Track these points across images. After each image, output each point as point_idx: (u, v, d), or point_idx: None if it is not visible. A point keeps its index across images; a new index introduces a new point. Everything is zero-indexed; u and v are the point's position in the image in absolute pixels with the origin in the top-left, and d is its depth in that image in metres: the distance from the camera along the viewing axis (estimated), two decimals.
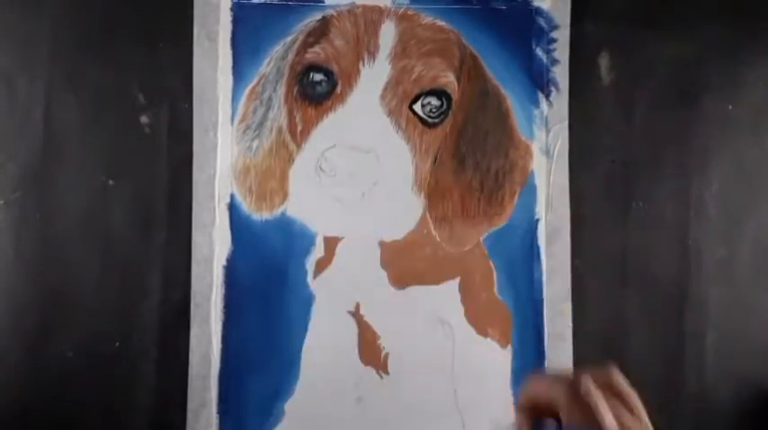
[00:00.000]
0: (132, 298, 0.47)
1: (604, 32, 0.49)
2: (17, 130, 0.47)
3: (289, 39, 0.47)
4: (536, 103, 0.48)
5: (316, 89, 0.47)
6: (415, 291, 0.47)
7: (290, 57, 0.47)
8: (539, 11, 0.48)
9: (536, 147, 0.48)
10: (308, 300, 0.47)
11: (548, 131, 0.48)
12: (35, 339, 0.46)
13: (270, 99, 0.47)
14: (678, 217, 0.48)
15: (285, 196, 0.47)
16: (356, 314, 0.47)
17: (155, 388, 0.46)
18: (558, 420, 0.33)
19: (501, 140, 0.48)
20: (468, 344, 0.47)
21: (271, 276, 0.47)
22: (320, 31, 0.47)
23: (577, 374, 0.34)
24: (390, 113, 0.47)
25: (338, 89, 0.47)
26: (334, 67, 0.47)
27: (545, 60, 0.48)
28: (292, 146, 0.47)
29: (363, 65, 0.47)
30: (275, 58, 0.47)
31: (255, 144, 0.47)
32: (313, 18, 0.48)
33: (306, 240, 0.47)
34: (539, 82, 0.48)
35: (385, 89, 0.47)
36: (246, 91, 0.47)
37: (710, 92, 0.49)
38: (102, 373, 0.46)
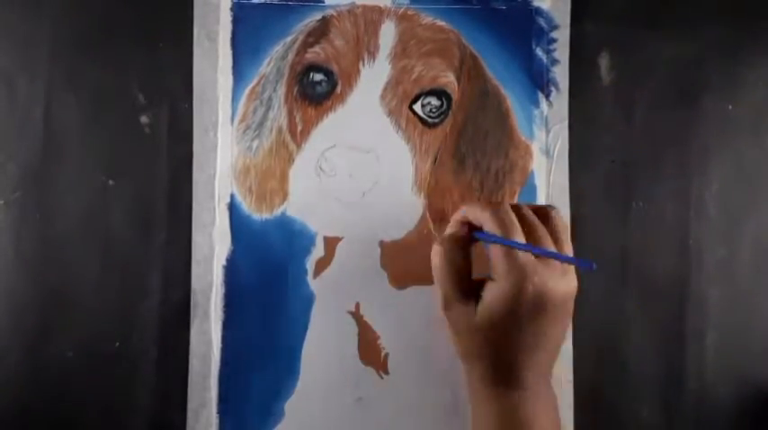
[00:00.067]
0: (132, 298, 0.47)
1: (604, 32, 0.49)
2: (17, 130, 0.47)
3: (289, 39, 0.48)
4: (536, 103, 0.48)
5: (316, 89, 0.47)
6: (415, 291, 0.47)
7: (290, 57, 0.47)
8: (539, 11, 0.48)
9: (536, 147, 0.48)
10: (308, 300, 0.47)
11: (548, 131, 0.48)
12: (35, 339, 0.46)
13: (270, 99, 0.47)
14: (678, 217, 0.49)
15: (285, 196, 0.47)
16: (356, 314, 0.47)
17: (155, 388, 0.46)
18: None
19: (501, 140, 0.48)
20: None
21: (271, 276, 0.47)
22: (320, 31, 0.47)
23: (496, 203, 0.41)
24: (390, 113, 0.47)
25: (338, 89, 0.47)
26: (334, 67, 0.47)
27: (545, 60, 0.48)
28: (292, 146, 0.47)
29: (363, 65, 0.47)
30: (275, 58, 0.47)
31: (255, 144, 0.47)
32: (313, 18, 0.48)
33: (306, 240, 0.47)
34: (539, 82, 0.48)
35: (385, 89, 0.47)
36: (246, 91, 0.47)
37: (710, 92, 0.49)
38: (102, 373, 0.46)
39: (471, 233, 0.42)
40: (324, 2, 0.48)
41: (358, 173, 0.47)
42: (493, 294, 0.39)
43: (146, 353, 0.46)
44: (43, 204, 0.47)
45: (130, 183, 0.47)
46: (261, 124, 0.47)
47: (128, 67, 0.47)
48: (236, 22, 0.47)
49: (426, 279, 0.47)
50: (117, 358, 0.46)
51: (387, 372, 0.47)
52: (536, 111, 0.48)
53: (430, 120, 0.47)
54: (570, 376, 0.47)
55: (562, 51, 0.48)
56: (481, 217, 0.41)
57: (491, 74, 0.48)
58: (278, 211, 0.47)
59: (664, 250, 0.48)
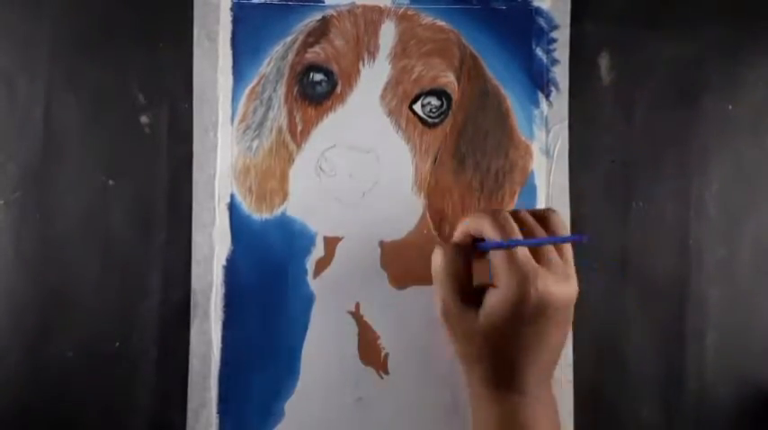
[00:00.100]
0: (132, 298, 0.47)
1: (604, 32, 0.49)
2: (17, 130, 0.47)
3: (289, 39, 0.48)
4: (536, 103, 0.48)
5: (316, 89, 0.47)
6: (415, 291, 0.47)
7: (290, 57, 0.47)
8: (539, 11, 0.48)
9: (536, 147, 0.48)
10: (308, 300, 0.47)
11: (548, 131, 0.48)
12: (35, 339, 0.46)
13: (270, 99, 0.47)
14: (678, 217, 0.49)
15: (285, 196, 0.47)
16: (356, 314, 0.47)
17: (155, 388, 0.46)
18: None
19: (501, 140, 0.48)
20: None
21: (271, 276, 0.47)
22: (320, 31, 0.47)
23: (496, 210, 0.41)
24: (390, 113, 0.47)
25: (338, 89, 0.47)
26: (334, 67, 0.47)
27: (545, 60, 0.48)
28: (292, 146, 0.47)
29: (363, 65, 0.47)
30: (275, 58, 0.47)
31: (255, 144, 0.47)
32: (313, 18, 0.48)
33: (306, 240, 0.47)
34: (539, 82, 0.48)
35: (385, 89, 0.47)
36: (246, 91, 0.47)
37: (710, 92, 0.49)
38: (102, 373, 0.46)
39: (474, 244, 0.42)
40: (324, 2, 0.48)
41: (358, 173, 0.47)
42: (495, 299, 0.39)
43: (146, 353, 0.46)
44: (43, 204, 0.47)
45: (130, 183, 0.47)
46: (261, 124, 0.47)
47: (128, 67, 0.47)
48: (236, 22, 0.47)
49: (426, 279, 0.47)
50: (117, 358, 0.46)
51: (387, 372, 0.47)
52: (536, 112, 0.48)
53: (430, 120, 0.47)
54: (570, 376, 0.47)
55: (562, 51, 0.48)
56: (481, 224, 0.41)
57: (491, 74, 0.48)
58: (278, 211, 0.47)
59: (664, 250, 0.48)
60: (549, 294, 0.38)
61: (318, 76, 0.47)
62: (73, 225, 0.47)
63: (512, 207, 0.48)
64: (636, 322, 0.48)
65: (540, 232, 0.41)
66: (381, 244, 0.47)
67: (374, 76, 0.47)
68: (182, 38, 0.47)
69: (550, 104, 0.48)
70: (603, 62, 0.49)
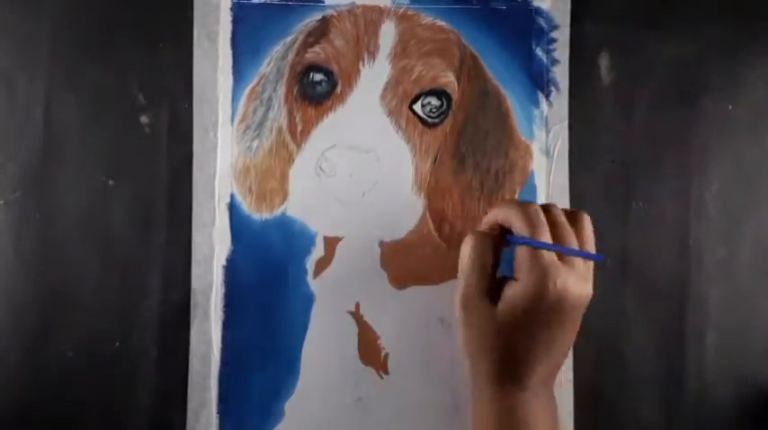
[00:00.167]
0: (132, 298, 0.47)
1: (604, 32, 0.49)
2: (17, 130, 0.47)
3: (289, 39, 0.48)
4: (536, 103, 0.48)
5: (316, 89, 0.47)
6: (415, 291, 0.47)
7: (290, 57, 0.47)
8: (539, 11, 0.48)
9: (536, 147, 0.48)
10: (308, 300, 0.47)
11: (548, 131, 0.48)
12: (35, 339, 0.46)
13: (270, 99, 0.47)
14: (678, 217, 0.49)
15: (285, 196, 0.47)
16: (356, 314, 0.47)
17: (155, 388, 0.46)
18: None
19: (501, 140, 0.48)
20: None
21: (271, 276, 0.47)
22: (320, 31, 0.47)
23: (528, 203, 0.41)
24: (390, 113, 0.47)
25: (338, 89, 0.47)
26: (334, 67, 0.47)
27: (545, 60, 0.48)
28: (292, 146, 0.47)
29: (363, 65, 0.47)
30: (275, 58, 0.47)
31: (255, 144, 0.47)
32: (313, 18, 0.48)
33: (306, 240, 0.47)
34: (539, 82, 0.48)
35: (385, 89, 0.47)
36: (246, 91, 0.47)
37: (710, 92, 0.49)
38: (102, 373, 0.46)
39: (503, 235, 0.42)
40: (324, 2, 0.48)
41: (358, 173, 0.47)
42: (514, 292, 0.39)
43: (146, 353, 0.46)
44: (43, 204, 0.47)
45: (130, 183, 0.47)
46: (261, 124, 0.47)
47: (128, 67, 0.47)
48: (236, 22, 0.47)
49: (426, 279, 0.47)
50: (117, 358, 0.46)
51: (387, 372, 0.47)
52: (536, 112, 0.48)
53: (430, 120, 0.47)
54: (570, 376, 0.47)
55: (562, 51, 0.48)
56: (510, 215, 0.41)
57: (491, 74, 0.48)
58: (278, 211, 0.47)
59: (664, 250, 0.48)
60: (567, 292, 0.39)
61: (318, 76, 0.47)
62: (73, 225, 0.47)
63: None
64: (636, 322, 0.48)
65: (568, 232, 0.40)
66: (381, 244, 0.47)
67: (374, 76, 0.47)
68: (182, 38, 0.47)
69: (550, 104, 0.48)
70: (603, 62, 0.49)
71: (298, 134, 0.47)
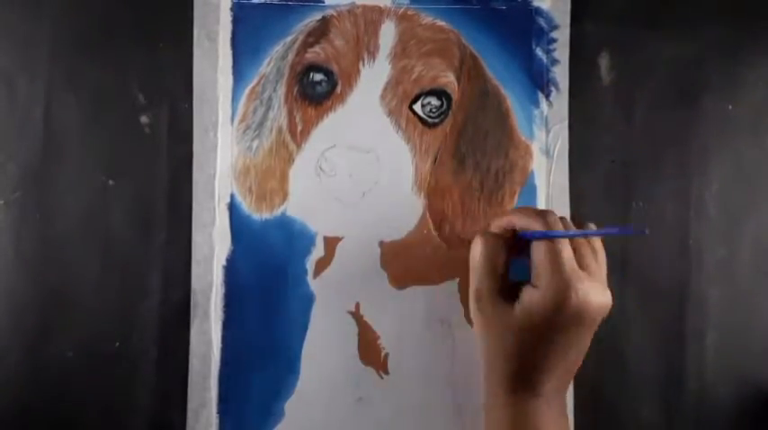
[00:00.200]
0: (132, 298, 0.47)
1: (604, 32, 0.49)
2: (17, 130, 0.47)
3: (289, 39, 0.48)
4: (536, 103, 0.48)
5: (316, 89, 0.47)
6: (415, 291, 0.47)
7: (290, 57, 0.47)
8: (539, 11, 0.48)
9: (536, 147, 0.48)
10: (308, 300, 0.47)
11: (548, 131, 0.48)
12: (35, 339, 0.46)
13: (270, 99, 0.47)
14: (678, 217, 0.49)
15: (285, 196, 0.47)
16: (356, 314, 0.47)
17: (155, 388, 0.46)
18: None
19: (501, 140, 0.48)
20: (468, 344, 0.47)
21: (271, 276, 0.47)
22: (320, 31, 0.47)
23: (546, 210, 0.41)
24: (390, 113, 0.47)
25: (338, 89, 0.47)
26: (334, 67, 0.47)
27: (545, 60, 0.48)
28: (292, 146, 0.47)
29: (363, 65, 0.47)
30: (275, 58, 0.47)
31: (255, 144, 0.47)
32: (313, 18, 0.48)
33: (306, 240, 0.47)
34: (539, 82, 0.48)
35: (385, 89, 0.47)
36: (246, 91, 0.47)
37: (710, 92, 0.49)
38: (102, 373, 0.46)
39: (515, 235, 0.42)
40: (324, 2, 0.48)
41: (358, 173, 0.47)
42: (533, 300, 0.39)
43: (146, 353, 0.46)
44: (43, 204, 0.47)
45: (130, 183, 0.47)
46: (261, 124, 0.47)
47: (128, 67, 0.47)
48: (236, 22, 0.47)
49: (426, 279, 0.47)
50: (117, 358, 0.46)
51: (387, 372, 0.47)
52: (536, 112, 0.48)
53: (430, 120, 0.47)
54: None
55: (562, 51, 0.48)
56: (530, 222, 0.41)
57: (491, 74, 0.48)
58: (278, 211, 0.47)
59: (664, 250, 0.48)
60: (588, 302, 0.38)
61: (318, 76, 0.47)
62: (73, 225, 0.47)
63: (512, 207, 0.48)
64: (636, 322, 0.48)
65: (582, 243, 0.41)
66: (381, 244, 0.47)
67: (374, 76, 0.47)
68: (182, 38, 0.47)
69: (550, 104, 0.48)
70: (603, 62, 0.49)
71: (298, 134, 0.47)
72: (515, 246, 0.42)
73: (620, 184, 0.48)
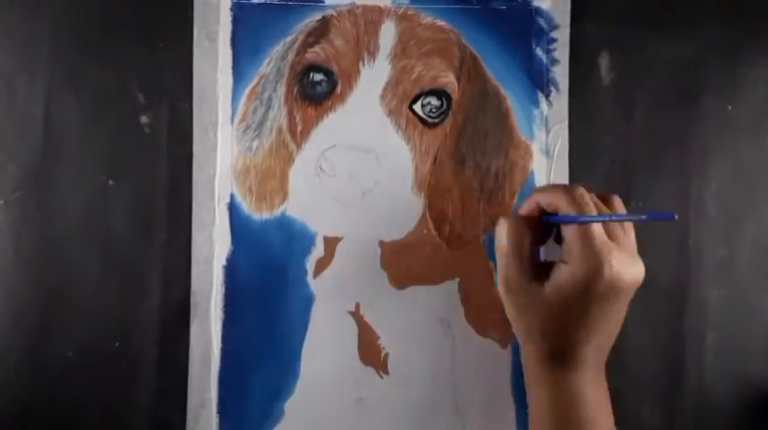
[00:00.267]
0: (132, 298, 0.47)
1: (604, 32, 0.49)
2: (17, 130, 0.47)
3: (289, 39, 0.48)
4: (536, 103, 0.48)
5: (316, 89, 0.47)
6: (415, 291, 0.47)
7: (290, 57, 0.47)
8: (539, 11, 0.48)
9: (536, 147, 0.48)
10: (308, 300, 0.47)
11: (548, 131, 0.48)
12: (35, 339, 0.46)
13: (270, 99, 0.47)
14: (678, 217, 0.48)
15: (285, 196, 0.47)
16: (356, 314, 0.47)
17: (155, 388, 0.46)
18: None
19: (501, 140, 0.48)
20: (468, 344, 0.47)
21: (271, 276, 0.47)
22: (320, 31, 0.47)
23: (572, 187, 0.41)
24: (390, 113, 0.47)
25: (338, 89, 0.47)
26: (334, 67, 0.47)
27: (545, 60, 0.48)
28: (292, 146, 0.47)
29: (363, 65, 0.47)
30: (275, 58, 0.47)
31: (255, 144, 0.47)
32: (313, 18, 0.48)
33: (306, 240, 0.47)
34: (539, 82, 0.48)
35: (385, 89, 0.47)
36: (246, 91, 0.47)
37: (710, 92, 0.49)
38: (102, 373, 0.46)
39: (539, 217, 0.42)
40: (324, 2, 0.48)
41: (358, 173, 0.47)
42: (565, 276, 0.39)
43: (146, 354, 0.46)
44: (43, 204, 0.47)
45: (130, 183, 0.47)
46: (261, 124, 0.47)
47: (128, 67, 0.47)
48: (236, 22, 0.47)
49: (426, 279, 0.47)
50: (117, 358, 0.46)
51: (387, 372, 0.47)
52: (536, 112, 0.48)
53: (430, 120, 0.47)
54: None
55: (562, 51, 0.48)
56: (556, 199, 0.41)
57: (491, 74, 0.48)
58: (278, 211, 0.47)
59: (664, 250, 0.48)
60: (621, 275, 0.38)
61: (318, 76, 0.47)
62: (73, 225, 0.47)
63: (512, 207, 0.48)
64: (636, 322, 0.48)
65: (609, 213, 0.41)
66: (381, 244, 0.47)
67: (374, 76, 0.47)
68: (182, 38, 0.47)
69: (550, 104, 0.48)
70: (603, 62, 0.49)
71: (298, 134, 0.47)
72: (540, 226, 0.42)
73: (620, 184, 0.48)
